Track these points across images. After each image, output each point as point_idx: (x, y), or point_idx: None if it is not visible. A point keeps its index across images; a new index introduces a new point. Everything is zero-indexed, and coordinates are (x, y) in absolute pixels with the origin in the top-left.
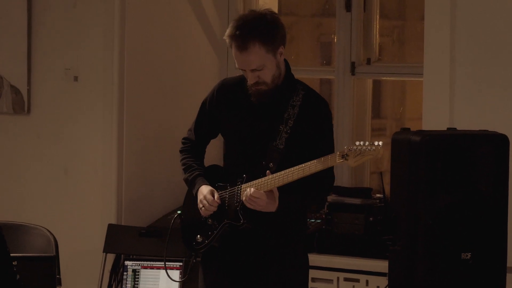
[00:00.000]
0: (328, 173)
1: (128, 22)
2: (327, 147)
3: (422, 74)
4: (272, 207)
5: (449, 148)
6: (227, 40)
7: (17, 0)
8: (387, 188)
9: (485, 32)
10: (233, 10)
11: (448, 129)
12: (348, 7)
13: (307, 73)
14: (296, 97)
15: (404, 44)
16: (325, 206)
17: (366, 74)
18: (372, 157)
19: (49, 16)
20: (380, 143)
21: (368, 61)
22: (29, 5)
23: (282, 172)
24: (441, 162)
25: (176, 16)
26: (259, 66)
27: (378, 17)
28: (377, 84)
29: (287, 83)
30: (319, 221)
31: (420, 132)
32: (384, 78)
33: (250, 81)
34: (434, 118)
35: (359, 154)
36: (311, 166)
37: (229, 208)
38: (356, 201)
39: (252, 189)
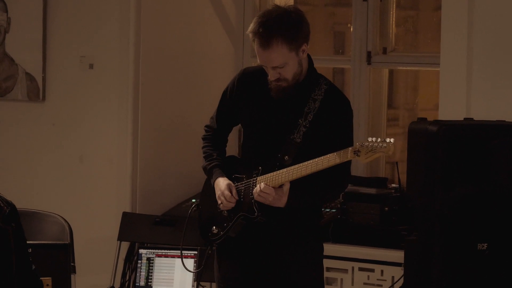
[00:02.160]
0: (343, 171)
1: (143, 10)
2: (345, 145)
3: (438, 64)
4: (281, 202)
5: (466, 139)
6: (250, 35)
7: None
8: (403, 178)
9: (502, 22)
10: (249, 0)
11: (465, 119)
12: None
13: (322, 62)
14: (318, 91)
15: (418, 34)
16: (341, 195)
17: (382, 64)
18: (383, 154)
19: (65, 3)
20: (392, 140)
21: (384, 51)
22: None
23: (296, 166)
24: (458, 152)
25: (192, 4)
26: (281, 64)
27: (394, 7)
28: (390, 74)
29: (309, 78)
30: (334, 210)
31: (437, 122)
32: (400, 68)
33: (271, 77)
34: (450, 108)
35: (371, 151)
36: (325, 161)
37: (244, 200)
38: (372, 191)
39: (263, 185)
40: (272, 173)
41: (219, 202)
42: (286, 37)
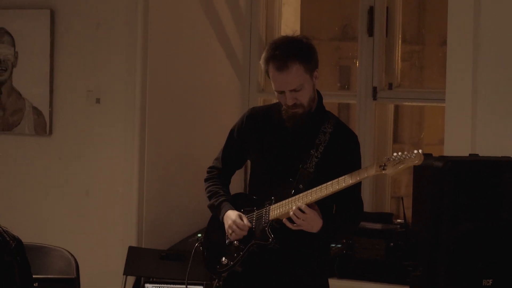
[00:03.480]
0: (357, 199)
1: (150, 45)
2: None
3: (443, 99)
4: (316, 225)
5: (471, 174)
6: (263, 65)
7: (40, 21)
8: (408, 213)
9: (507, 58)
10: (256, 34)
11: (470, 155)
12: (370, 31)
13: (328, 97)
14: (327, 124)
15: (424, 69)
16: None
17: (387, 99)
18: (414, 163)
19: (72, 37)
20: (420, 150)
21: (390, 86)
22: (52, 26)
23: (316, 187)
24: (463, 188)
25: (199, 40)
26: (299, 86)
27: (400, 42)
28: (395, 109)
29: (319, 111)
30: (339, 246)
31: (443, 158)
32: (405, 103)
33: (289, 102)
34: (456, 144)
35: (399, 162)
36: (346, 179)
37: (257, 229)
38: (377, 226)
39: (302, 204)
40: (287, 200)
41: (230, 231)
42: (302, 58)
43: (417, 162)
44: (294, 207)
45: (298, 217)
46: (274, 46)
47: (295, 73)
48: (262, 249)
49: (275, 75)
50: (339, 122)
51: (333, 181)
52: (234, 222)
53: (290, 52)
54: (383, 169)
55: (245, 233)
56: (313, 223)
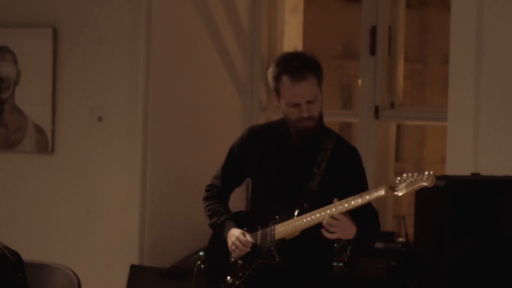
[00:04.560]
0: (372, 209)
1: (153, 63)
2: (362, 189)
3: (445, 118)
4: (351, 231)
5: (473, 194)
6: (273, 80)
7: (43, 39)
8: (410, 232)
9: (510, 77)
10: (258, 53)
11: (472, 174)
12: (372, 50)
13: (329, 116)
14: (328, 141)
15: (426, 88)
16: (348, 249)
17: (390, 118)
18: (426, 185)
19: (74, 55)
20: (432, 172)
21: (392, 105)
22: (54, 44)
23: (322, 208)
24: (465, 207)
25: (201, 58)
26: (314, 98)
27: (402, 61)
28: (397, 127)
29: (320, 127)
30: (341, 264)
31: (445, 177)
32: (408, 123)
33: (305, 114)
34: (458, 163)
35: (410, 184)
36: (355, 199)
37: (262, 249)
38: (379, 245)
39: (336, 213)
40: (292, 219)
41: (233, 248)
42: (315, 71)
43: (428, 184)
44: (326, 217)
45: (332, 225)
46: (287, 59)
47: (311, 85)
48: (268, 268)
49: (291, 87)
50: (339, 138)
51: (342, 201)
52: (237, 238)
53: (306, 64)
54: (394, 190)
55: (248, 249)
56: (348, 228)
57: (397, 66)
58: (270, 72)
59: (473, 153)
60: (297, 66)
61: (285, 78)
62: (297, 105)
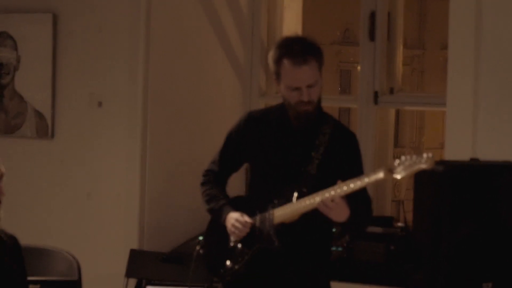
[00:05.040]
0: (366, 196)
1: (152, 49)
2: (358, 173)
3: (444, 104)
4: (344, 213)
5: (472, 179)
6: (274, 63)
7: (43, 25)
8: (408, 217)
9: (508, 62)
10: (257, 39)
11: (471, 159)
12: (372, 36)
13: (328, 102)
14: (326, 125)
15: (425, 73)
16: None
17: (389, 104)
18: (424, 167)
19: (74, 41)
20: (430, 154)
21: (391, 91)
22: (54, 30)
23: (322, 191)
24: (464, 192)
25: (200, 44)
26: (314, 82)
27: (401, 47)
28: (396, 113)
29: (318, 112)
30: (340, 249)
31: (443, 162)
32: (407, 108)
33: (305, 98)
34: (456, 148)
35: (409, 166)
36: (354, 182)
37: (261, 233)
38: (377, 230)
39: (335, 194)
40: (291, 203)
41: (232, 230)
42: (316, 55)
43: (427, 166)
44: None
45: (328, 207)
46: (289, 43)
47: (312, 69)
48: (267, 253)
49: (292, 70)
50: (337, 122)
51: (340, 184)
52: (236, 220)
53: (308, 48)
54: (393, 173)
55: (247, 230)
56: (342, 212)
57: (396, 52)
58: (271, 55)
59: (472, 138)
60: (299, 49)
61: (286, 62)
62: (297, 89)
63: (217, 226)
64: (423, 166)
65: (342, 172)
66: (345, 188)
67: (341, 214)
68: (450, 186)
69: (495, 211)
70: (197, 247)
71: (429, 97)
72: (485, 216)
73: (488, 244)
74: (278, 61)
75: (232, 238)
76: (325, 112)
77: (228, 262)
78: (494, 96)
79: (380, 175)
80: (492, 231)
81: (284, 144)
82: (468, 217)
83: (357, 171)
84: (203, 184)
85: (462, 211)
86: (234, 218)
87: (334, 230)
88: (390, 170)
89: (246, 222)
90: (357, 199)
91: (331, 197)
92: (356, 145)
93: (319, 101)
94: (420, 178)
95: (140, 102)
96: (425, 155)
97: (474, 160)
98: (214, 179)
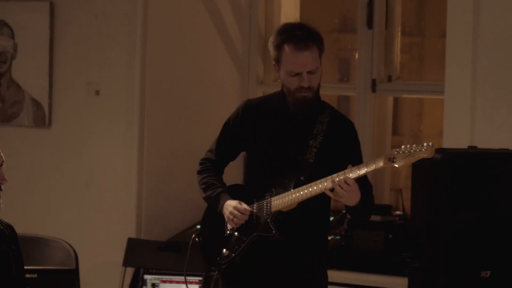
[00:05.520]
0: (368, 183)
1: (150, 37)
2: (357, 162)
3: (443, 92)
4: (356, 198)
5: (470, 167)
6: (275, 48)
7: (40, 13)
8: (407, 205)
9: (507, 51)
10: (255, 26)
11: (469, 147)
12: (370, 24)
13: (327, 90)
14: (324, 114)
15: (424, 61)
16: (345, 222)
17: (387, 92)
18: (425, 156)
19: (71, 29)
20: (431, 143)
21: (389, 79)
22: (51, 18)
23: (319, 181)
24: (462, 180)
25: (198, 32)
26: (315, 69)
27: (399, 34)
28: (395, 101)
29: (317, 100)
30: (338, 237)
31: (441, 150)
32: (404, 96)
33: (305, 84)
34: (454, 136)
35: (409, 155)
36: (354, 170)
37: (258, 221)
38: (376, 218)
39: (350, 179)
40: (289, 192)
41: (231, 217)
42: (318, 41)
43: (427, 155)
44: (340, 179)
45: (342, 188)
46: (291, 28)
47: (314, 55)
48: (264, 241)
49: (294, 55)
50: (335, 111)
51: (339, 173)
52: (235, 207)
53: (310, 34)
54: (393, 161)
55: (246, 218)
56: (355, 195)
57: (394, 40)
58: (272, 41)
59: (470, 126)
60: (301, 35)
61: (288, 47)
62: (298, 74)
63: (213, 215)
64: (424, 155)
65: (340, 161)
66: (352, 174)
67: (353, 197)
68: (448, 174)
69: (493, 198)
70: (193, 236)
71: (427, 85)
72: (483, 204)
73: (486, 232)
74: (279, 47)
75: (229, 226)
76: (323, 101)
77: (224, 250)
78: (492, 84)
79: (380, 163)
80: (490, 218)
81: (282, 132)
82: (466, 205)
83: (355, 160)
84: (199, 172)
85: (460, 199)
86: (232, 206)
87: (332, 218)
88: (390, 159)
89: (245, 209)
90: (360, 186)
91: (345, 178)
92: (355, 134)
93: (318, 89)
94: (418, 166)
95: (137, 90)
96: (425, 144)
97: (472, 148)
98: (211, 167)
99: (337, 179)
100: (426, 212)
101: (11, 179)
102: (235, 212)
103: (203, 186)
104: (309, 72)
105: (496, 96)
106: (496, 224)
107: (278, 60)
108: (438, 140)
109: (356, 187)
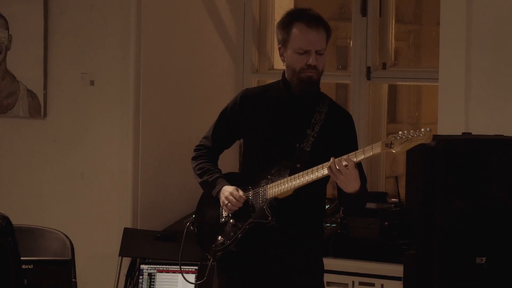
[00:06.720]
0: (363, 174)
1: (144, 27)
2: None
3: (437, 79)
4: (354, 185)
5: (464, 153)
6: (285, 27)
7: (34, 4)
8: (402, 193)
9: (500, 37)
10: (249, 15)
11: (463, 134)
12: (363, 11)
13: (323, 78)
14: (322, 104)
15: (420, 49)
16: (340, 210)
17: (381, 79)
18: (422, 141)
19: (66, 20)
20: (428, 128)
21: (384, 66)
22: (46, 9)
23: (319, 166)
24: (457, 167)
25: (192, 21)
26: (323, 49)
27: (393, 22)
28: (392, 89)
29: (317, 89)
30: (334, 225)
31: (436, 137)
32: (399, 83)
33: (313, 62)
34: (449, 123)
35: (406, 141)
36: (351, 156)
37: (254, 208)
38: (372, 205)
39: (351, 163)
40: (285, 179)
41: (226, 202)
42: (326, 27)
43: (425, 140)
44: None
45: (339, 169)
46: (302, 10)
47: (323, 36)
48: (259, 228)
49: (305, 33)
50: (333, 102)
51: (337, 159)
52: (231, 193)
53: (320, 17)
54: (390, 147)
55: (240, 205)
56: (354, 182)
57: (389, 27)
58: (279, 23)
59: (464, 113)
60: (313, 15)
61: (299, 24)
62: (306, 52)
63: (208, 202)
64: (422, 140)
65: (337, 151)
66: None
67: (352, 183)
68: (443, 160)
69: (487, 185)
70: (188, 224)
71: (422, 72)
72: (478, 190)
73: (481, 219)
74: (288, 26)
75: (224, 213)
76: (322, 92)
77: (219, 238)
78: (486, 70)
79: (378, 149)
80: (485, 205)
81: (280, 120)
82: (460, 191)
83: (352, 151)
84: (195, 158)
85: (455, 185)
86: (228, 192)
87: (328, 206)
88: (387, 145)
89: (240, 196)
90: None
91: (345, 158)
92: (352, 125)
93: (321, 74)
94: (412, 153)
95: (132, 80)
96: (423, 129)
97: (466, 135)
98: (206, 154)
99: (344, 161)
100: (421, 199)
101: (6, 170)
102: (230, 197)
103: (199, 172)
104: (317, 53)
105: (490, 83)
106: (490, 210)
107: (285, 41)
108: (436, 128)
109: (356, 173)
